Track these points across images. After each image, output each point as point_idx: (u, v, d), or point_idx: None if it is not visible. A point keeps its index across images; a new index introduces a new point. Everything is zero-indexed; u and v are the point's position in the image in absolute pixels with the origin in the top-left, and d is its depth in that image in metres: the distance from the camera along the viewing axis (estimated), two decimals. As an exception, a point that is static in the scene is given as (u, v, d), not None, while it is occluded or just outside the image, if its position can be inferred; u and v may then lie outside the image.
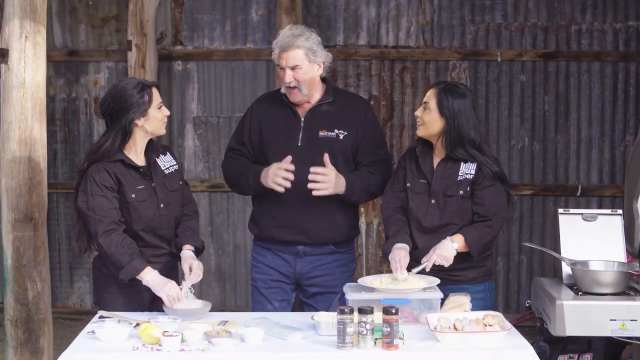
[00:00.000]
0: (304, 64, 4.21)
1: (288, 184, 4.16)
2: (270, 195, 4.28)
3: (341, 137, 4.31)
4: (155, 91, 3.97)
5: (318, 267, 4.38)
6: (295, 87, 4.23)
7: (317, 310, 4.24)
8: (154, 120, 3.96)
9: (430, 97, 4.09)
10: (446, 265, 3.93)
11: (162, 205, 4.01)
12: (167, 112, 4.02)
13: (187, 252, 4.04)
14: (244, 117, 4.47)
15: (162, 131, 4.04)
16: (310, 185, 4.16)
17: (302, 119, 4.31)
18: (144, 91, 3.92)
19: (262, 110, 4.40)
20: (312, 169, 4.16)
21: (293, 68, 4.20)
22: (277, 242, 4.37)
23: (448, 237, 3.98)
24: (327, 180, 4.16)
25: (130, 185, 3.94)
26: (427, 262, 3.92)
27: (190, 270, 3.96)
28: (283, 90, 4.27)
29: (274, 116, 4.35)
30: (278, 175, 4.16)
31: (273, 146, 4.30)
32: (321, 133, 4.29)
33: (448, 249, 3.94)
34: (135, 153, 3.99)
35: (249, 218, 4.56)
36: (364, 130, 4.33)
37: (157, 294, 3.84)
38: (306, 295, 4.44)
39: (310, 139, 4.28)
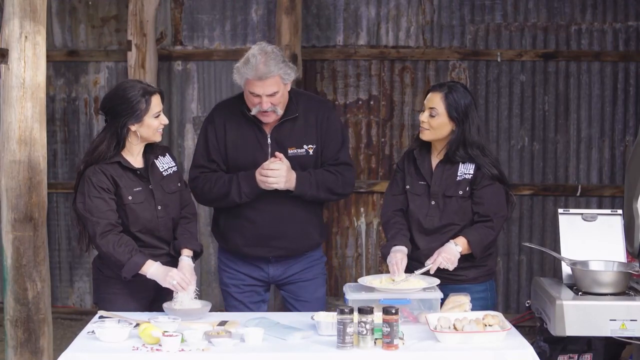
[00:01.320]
0: (280, 88, 4.15)
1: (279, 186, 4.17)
2: (237, 210, 4.27)
3: (311, 152, 4.28)
4: (155, 99, 3.95)
5: (291, 267, 4.40)
6: (271, 111, 4.18)
7: (298, 298, 4.35)
8: (148, 127, 3.94)
9: (437, 102, 4.06)
10: (451, 268, 3.94)
11: (159, 207, 4.01)
12: (165, 121, 3.99)
13: (185, 259, 4.02)
14: (206, 132, 4.36)
15: (157, 138, 4.01)
16: (260, 179, 4.15)
17: (269, 136, 4.27)
18: (144, 98, 3.90)
19: (225, 125, 4.32)
20: (264, 164, 4.15)
21: (271, 95, 4.14)
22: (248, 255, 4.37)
23: (451, 241, 3.98)
24: (277, 175, 4.14)
25: (127, 187, 3.94)
26: (432, 265, 3.92)
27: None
28: (254, 113, 4.19)
29: (238, 132, 4.29)
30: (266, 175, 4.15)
31: (241, 165, 4.25)
32: (290, 151, 4.24)
33: (453, 252, 3.94)
34: (132, 155, 3.99)
35: (212, 222, 4.50)
36: (326, 135, 4.30)
37: (163, 285, 3.85)
38: (284, 288, 4.45)
39: None
